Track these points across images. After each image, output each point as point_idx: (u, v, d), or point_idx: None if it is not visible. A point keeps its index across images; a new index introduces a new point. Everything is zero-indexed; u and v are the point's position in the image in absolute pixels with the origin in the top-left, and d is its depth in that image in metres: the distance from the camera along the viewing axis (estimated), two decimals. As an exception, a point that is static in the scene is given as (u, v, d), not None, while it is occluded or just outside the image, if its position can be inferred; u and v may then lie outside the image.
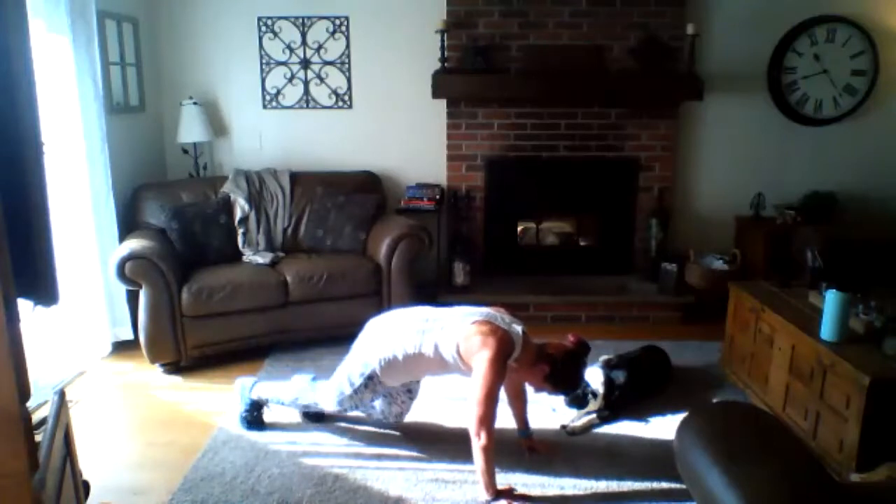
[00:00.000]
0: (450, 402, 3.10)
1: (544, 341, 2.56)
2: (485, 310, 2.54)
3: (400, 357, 2.51)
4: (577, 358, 2.51)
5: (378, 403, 2.79)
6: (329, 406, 2.74)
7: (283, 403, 2.87)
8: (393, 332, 2.57)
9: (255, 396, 2.91)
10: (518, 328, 2.45)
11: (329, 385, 2.73)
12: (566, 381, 2.52)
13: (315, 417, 2.98)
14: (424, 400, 3.09)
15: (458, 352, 2.42)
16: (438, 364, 2.50)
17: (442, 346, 2.46)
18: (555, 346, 2.51)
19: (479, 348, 2.34)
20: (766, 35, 4.38)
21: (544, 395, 2.71)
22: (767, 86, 4.46)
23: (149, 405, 3.23)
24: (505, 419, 2.74)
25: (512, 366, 2.44)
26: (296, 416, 2.99)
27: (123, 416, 3.18)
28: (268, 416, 2.96)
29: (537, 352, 2.49)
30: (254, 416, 2.92)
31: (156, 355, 3.46)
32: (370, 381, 2.59)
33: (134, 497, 2.49)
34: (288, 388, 2.87)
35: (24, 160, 1.50)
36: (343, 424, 2.96)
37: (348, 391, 2.64)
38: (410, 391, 2.80)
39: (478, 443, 2.30)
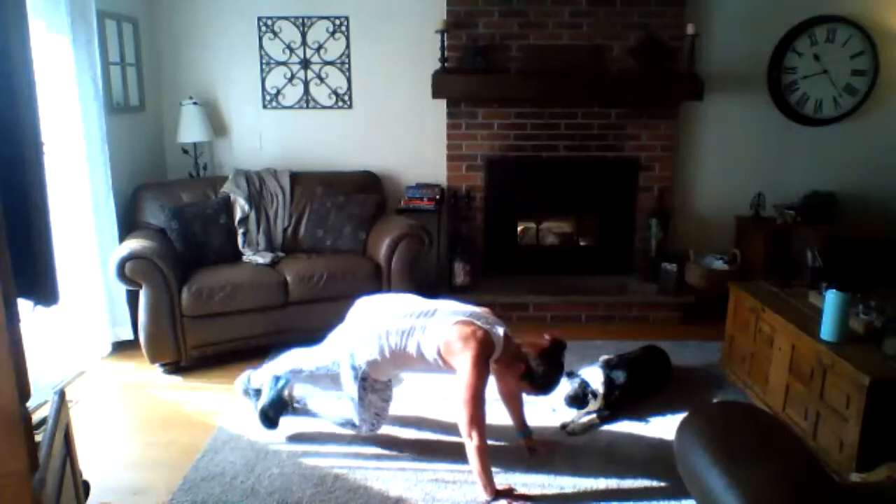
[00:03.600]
0: (449, 401, 3.10)
1: (520, 341, 2.57)
2: (469, 309, 2.55)
3: (387, 355, 2.52)
4: (552, 356, 2.51)
5: (355, 411, 2.73)
6: (362, 424, 2.70)
7: (316, 416, 2.84)
8: (376, 330, 2.55)
9: (286, 394, 2.84)
10: (500, 329, 2.46)
11: (345, 402, 2.73)
12: (543, 380, 2.51)
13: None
14: (423, 400, 3.10)
15: (439, 353, 2.43)
16: (421, 363, 2.51)
17: (424, 348, 2.47)
18: (531, 345, 2.52)
19: (461, 350, 2.35)
20: (766, 35, 4.38)
21: (526, 394, 2.70)
22: (767, 86, 4.46)
23: (149, 405, 3.22)
24: (503, 418, 2.75)
25: (493, 366, 2.45)
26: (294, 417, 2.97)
27: (123, 416, 3.18)
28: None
29: (516, 352, 2.50)
30: (274, 414, 2.83)
31: (156, 355, 3.46)
32: (364, 382, 2.59)
33: (134, 497, 2.49)
34: (322, 399, 2.84)
35: (24, 160, 1.50)
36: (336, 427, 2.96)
37: (360, 408, 2.64)
38: (386, 401, 2.76)
39: (470, 444, 2.31)
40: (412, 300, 2.71)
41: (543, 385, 2.54)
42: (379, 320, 2.59)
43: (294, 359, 2.88)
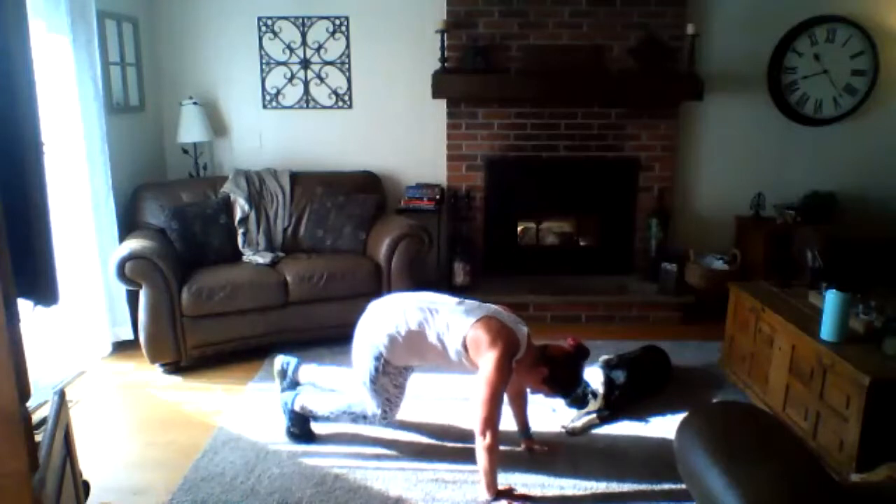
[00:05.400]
0: (450, 401, 3.10)
1: (544, 343, 2.56)
2: (491, 307, 2.53)
3: (403, 333, 2.50)
4: (575, 362, 2.51)
5: (369, 401, 2.70)
6: (369, 414, 2.66)
7: (328, 419, 2.78)
8: (395, 313, 2.55)
9: (297, 408, 2.80)
10: (524, 329, 2.46)
11: (354, 387, 2.70)
12: (564, 385, 2.53)
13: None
14: (424, 400, 3.10)
15: (464, 346, 2.41)
16: (440, 354, 2.50)
17: (446, 338, 2.45)
18: (554, 349, 2.52)
19: (488, 348, 2.34)
20: (766, 35, 4.38)
21: (545, 396, 2.71)
22: (767, 86, 4.46)
23: (149, 405, 3.22)
24: (504, 419, 2.74)
25: (513, 366, 2.44)
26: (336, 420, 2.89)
27: (123, 416, 3.18)
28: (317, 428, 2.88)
29: (537, 354, 2.49)
30: (302, 430, 2.80)
31: (156, 355, 3.46)
32: (378, 362, 2.56)
33: (134, 497, 2.49)
34: (329, 400, 2.78)
35: (24, 160, 1.50)
36: (343, 424, 2.96)
37: (370, 391, 2.61)
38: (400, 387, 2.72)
39: (482, 442, 2.31)
40: (427, 293, 2.70)
41: (563, 390, 2.56)
42: (400, 303, 2.60)
43: (345, 401, 2.78)
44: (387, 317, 2.56)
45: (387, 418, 2.69)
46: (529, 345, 2.47)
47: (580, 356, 2.52)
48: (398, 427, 2.91)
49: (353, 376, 2.73)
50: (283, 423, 2.84)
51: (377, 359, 2.56)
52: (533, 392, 2.63)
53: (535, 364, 2.47)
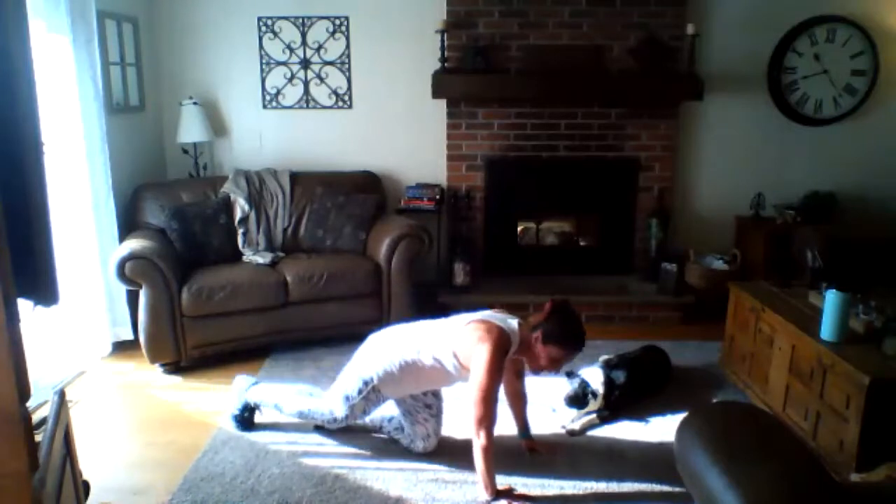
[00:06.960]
0: (451, 402, 3.10)
1: (523, 320, 2.55)
2: (479, 313, 2.54)
3: (397, 364, 2.52)
4: (560, 312, 2.48)
5: (403, 423, 2.74)
6: (329, 419, 2.71)
7: (281, 410, 2.83)
8: (392, 344, 2.59)
9: (250, 399, 2.89)
10: (514, 322, 2.46)
11: (329, 396, 2.72)
12: (566, 334, 2.44)
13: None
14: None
15: (455, 356, 2.43)
16: (439, 374, 2.51)
17: (441, 355, 2.46)
18: (536, 316, 2.51)
19: (477, 348, 2.35)
20: (766, 35, 4.38)
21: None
22: (767, 86, 4.46)
23: (149, 405, 3.22)
24: (504, 420, 2.74)
25: (514, 358, 2.45)
26: (293, 418, 2.96)
27: (123, 416, 3.18)
28: (262, 417, 2.95)
29: (527, 330, 2.48)
30: (244, 417, 2.91)
31: (156, 355, 3.46)
32: (365, 386, 2.59)
33: (134, 497, 2.49)
34: (289, 397, 2.83)
35: (24, 160, 1.50)
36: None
37: (344, 403, 2.64)
38: (430, 406, 2.71)
39: (477, 442, 2.31)
40: (425, 322, 2.69)
41: (570, 338, 2.44)
42: (392, 340, 2.62)
43: (304, 402, 2.82)
44: (383, 353, 2.59)
45: (343, 424, 2.74)
46: (523, 334, 2.46)
47: (562, 305, 2.50)
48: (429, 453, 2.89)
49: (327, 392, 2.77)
50: (231, 406, 2.94)
51: (366, 383, 2.59)
52: (546, 371, 2.55)
53: (530, 342, 2.45)
